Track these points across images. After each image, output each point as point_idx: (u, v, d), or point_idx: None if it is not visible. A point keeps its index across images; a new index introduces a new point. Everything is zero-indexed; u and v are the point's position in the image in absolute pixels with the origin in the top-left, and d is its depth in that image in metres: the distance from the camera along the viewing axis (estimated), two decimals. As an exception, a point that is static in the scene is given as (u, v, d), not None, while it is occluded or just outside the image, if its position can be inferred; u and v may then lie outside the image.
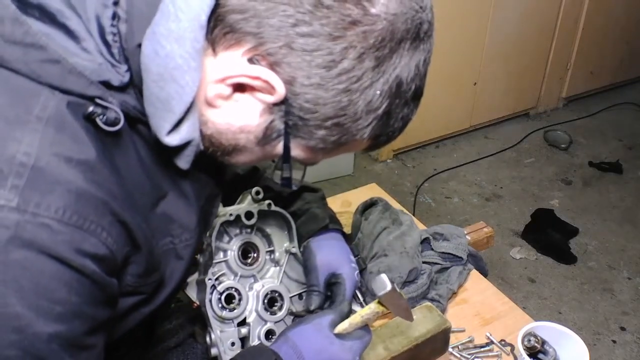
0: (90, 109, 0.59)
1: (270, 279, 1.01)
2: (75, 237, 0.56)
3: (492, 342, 1.18)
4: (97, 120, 0.59)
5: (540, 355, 1.08)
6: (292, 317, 1.00)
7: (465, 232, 1.38)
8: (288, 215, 1.03)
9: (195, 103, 0.63)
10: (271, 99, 0.61)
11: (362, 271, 1.21)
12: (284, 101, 0.61)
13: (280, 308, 0.99)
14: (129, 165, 0.65)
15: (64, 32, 0.59)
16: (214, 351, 0.92)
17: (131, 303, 0.70)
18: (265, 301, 0.98)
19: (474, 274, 1.33)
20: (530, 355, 1.05)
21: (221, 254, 0.96)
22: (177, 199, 0.73)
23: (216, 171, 0.81)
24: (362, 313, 0.84)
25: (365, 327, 0.86)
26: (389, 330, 1.03)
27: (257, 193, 0.99)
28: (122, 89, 0.62)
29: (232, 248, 0.97)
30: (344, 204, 1.53)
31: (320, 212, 1.08)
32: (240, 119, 0.64)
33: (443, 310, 1.21)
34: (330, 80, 0.59)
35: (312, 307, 0.98)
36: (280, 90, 0.60)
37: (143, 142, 0.67)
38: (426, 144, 3.59)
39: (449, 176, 3.36)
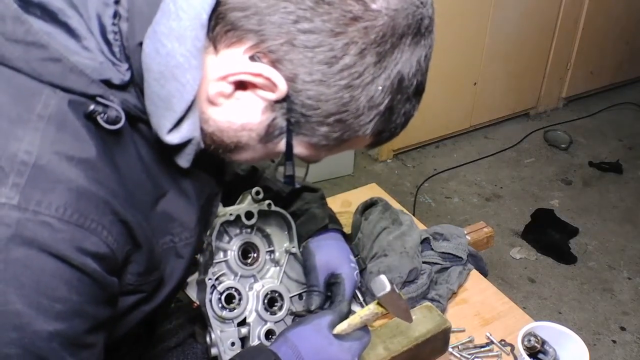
0: (92, 107, 0.59)
1: (270, 279, 1.01)
2: (76, 236, 0.56)
3: (492, 342, 1.18)
4: (98, 118, 0.60)
5: (540, 355, 1.08)
6: (292, 317, 1.00)
7: (465, 232, 1.38)
8: (288, 216, 1.03)
9: (196, 101, 0.63)
10: (273, 96, 0.61)
11: (362, 271, 1.21)
12: (286, 98, 0.61)
13: (280, 308, 0.99)
14: (129, 164, 0.65)
15: (65, 31, 0.59)
16: (214, 351, 0.92)
17: (132, 302, 0.70)
18: (265, 301, 0.98)
19: (474, 274, 1.33)
20: (530, 355, 1.05)
21: (221, 254, 0.96)
22: (177, 198, 0.73)
23: (216, 170, 0.81)
24: (361, 314, 0.84)
25: (364, 327, 0.86)
26: (389, 330, 1.03)
27: (257, 193, 0.99)
28: (123, 87, 0.62)
29: (232, 248, 0.97)
30: (344, 204, 1.53)
31: (320, 212, 1.08)
32: (242, 116, 0.64)
33: (443, 310, 1.21)
34: (332, 76, 0.59)
35: (312, 307, 0.98)
36: (282, 88, 0.60)
37: (143, 141, 0.67)
38: (426, 144, 3.59)
39: (449, 176, 3.36)
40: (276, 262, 1.02)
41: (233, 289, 0.95)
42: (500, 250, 2.81)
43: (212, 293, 0.93)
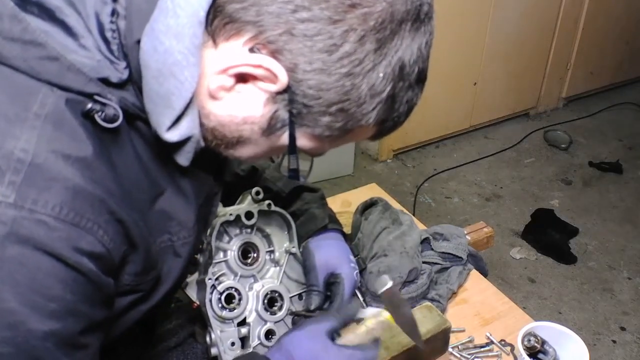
0: (89, 105, 0.59)
1: (270, 279, 1.01)
2: (72, 235, 0.56)
3: (492, 342, 1.18)
4: (96, 117, 0.59)
5: (540, 355, 1.08)
6: (292, 317, 1.00)
7: (465, 232, 1.38)
8: (288, 216, 1.03)
9: (194, 98, 0.62)
10: (274, 87, 0.61)
11: (361, 271, 1.21)
12: (287, 89, 0.61)
13: (280, 308, 0.99)
14: (126, 163, 0.65)
15: (62, 29, 0.59)
16: (214, 351, 0.92)
17: (128, 301, 0.70)
18: (265, 301, 0.98)
19: (474, 274, 1.33)
20: (530, 355, 1.05)
21: (221, 254, 0.96)
22: (175, 196, 0.73)
23: (215, 170, 0.80)
24: (367, 323, 0.83)
25: (374, 342, 0.84)
26: (389, 330, 1.03)
27: (257, 193, 0.99)
28: (120, 85, 0.62)
29: (232, 248, 0.97)
30: (344, 204, 1.53)
31: (320, 212, 1.08)
32: (243, 110, 0.64)
33: (443, 310, 1.21)
34: (332, 64, 0.59)
35: (312, 307, 0.98)
36: (283, 78, 0.59)
37: (141, 140, 0.67)
38: (426, 144, 3.59)
39: (449, 176, 3.36)
40: (276, 262, 1.02)
41: (233, 289, 0.95)
42: (500, 250, 2.81)
43: (212, 293, 0.93)
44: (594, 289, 2.64)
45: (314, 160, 0.74)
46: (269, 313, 0.98)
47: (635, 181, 3.38)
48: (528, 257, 2.80)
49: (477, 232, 1.45)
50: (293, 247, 1.03)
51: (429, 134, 3.53)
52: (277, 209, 1.01)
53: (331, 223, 1.08)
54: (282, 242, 1.04)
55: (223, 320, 0.94)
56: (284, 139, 0.66)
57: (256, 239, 1.00)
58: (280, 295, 0.99)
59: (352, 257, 1.05)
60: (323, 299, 1.00)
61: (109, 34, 0.60)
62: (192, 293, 0.94)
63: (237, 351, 0.92)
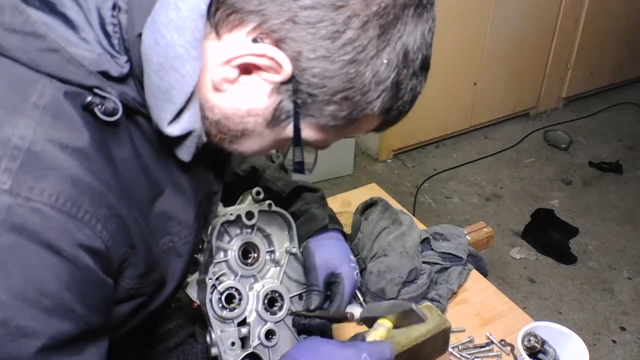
0: (89, 98, 0.58)
1: (271, 279, 1.01)
2: (68, 226, 0.54)
3: (492, 342, 1.18)
4: (96, 110, 0.59)
5: (540, 355, 1.08)
6: (292, 317, 1.00)
7: (465, 232, 1.38)
8: (288, 216, 1.03)
9: (196, 92, 0.62)
10: (278, 77, 0.60)
11: (362, 271, 1.21)
12: (291, 79, 0.60)
13: (281, 308, 0.99)
14: (125, 158, 0.64)
15: (63, 22, 0.58)
16: (214, 351, 0.92)
17: (132, 307, 0.69)
18: (266, 301, 0.98)
19: (474, 274, 1.33)
20: (530, 355, 1.05)
21: (222, 254, 0.96)
22: (174, 196, 0.72)
23: (215, 167, 0.80)
24: (370, 339, 0.83)
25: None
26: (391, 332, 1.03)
27: (258, 193, 0.99)
28: (121, 80, 0.62)
29: (232, 248, 0.97)
30: (344, 204, 1.53)
31: (320, 212, 1.08)
32: (247, 101, 0.63)
33: (443, 310, 1.21)
34: (335, 51, 0.58)
35: (312, 307, 0.98)
36: (287, 68, 0.59)
37: (141, 135, 0.66)
38: (426, 144, 3.59)
39: (449, 176, 3.36)
40: (276, 262, 1.02)
41: (233, 289, 0.95)
42: (500, 250, 2.81)
43: (212, 293, 0.93)
44: (594, 289, 2.64)
45: (318, 153, 0.74)
46: (269, 313, 0.98)
47: (635, 181, 3.38)
48: (528, 257, 2.80)
49: (477, 232, 1.46)
50: (293, 247, 1.03)
51: (429, 134, 3.53)
52: (278, 209, 1.01)
53: (331, 223, 1.08)
54: (283, 242, 1.04)
55: (223, 320, 0.94)
56: (289, 130, 0.66)
57: (257, 239, 1.00)
58: (281, 296, 0.99)
59: (352, 257, 1.05)
60: (323, 299, 1.00)
61: (109, 28, 0.60)
62: (192, 293, 0.94)
63: (237, 351, 0.92)
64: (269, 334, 0.97)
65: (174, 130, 0.63)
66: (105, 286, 0.60)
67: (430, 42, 0.63)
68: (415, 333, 1.03)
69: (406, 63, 0.62)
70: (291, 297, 1.01)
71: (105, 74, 0.60)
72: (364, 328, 0.89)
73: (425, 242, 1.31)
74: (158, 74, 0.60)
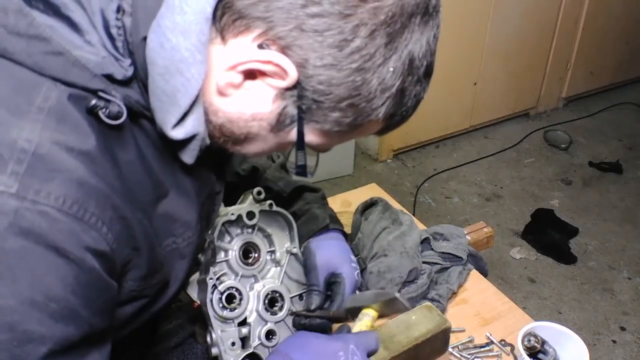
0: (93, 102, 0.58)
1: (271, 279, 1.01)
2: (75, 228, 0.54)
3: (492, 342, 1.18)
4: (100, 113, 0.59)
5: (540, 355, 1.08)
6: (292, 317, 1.00)
7: (465, 232, 1.38)
8: (289, 216, 1.03)
9: (200, 96, 0.62)
10: (283, 83, 0.60)
11: (362, 271, 1.21)
12: (297, 85, 0.60)
13: (281, 308, 0.99)
14: (129, 161, 0.64)
15: (67, 25, 0.58)
16: (214, 351, 0.92)
17: (135, 308, 0.69)
18: (266, 301, 0.98)
19: (474, 274, 1.33)
20: (530, 355, 1.05)
21: (222, 254, 0.96)
22: (177, 197, 0.72)
23: (218, 168, 0.80)
24: (357, 329, 0.84)
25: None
26: (389, 330, 1.03)
27: (259, 193, 0.99)
28: (125, 83, 0.62)
29: (233, 248, 0.97)
30: (344, 204, 1.53)
31: (321, 212, 1.08)
32: (252, 106, 0.63)
33: (443, 310, 1.21)
34: (342, 59, 0.58)
35: (312, 307, 0.98)
36: (292, 74, 0.59)
37: (145, 138, 0.66)
38: (426, 144, 3.59)
39: (449, 176, 3.36)
40: (277, 263, 1.02)
41: (234, 289, 0.95)
42: (500, 250, 2.81)
43: (213, 293, 0.93)
44: (594, 289, 2.65)
45: (319, 156, 0.74)
46: (269, 313, 0.98)
47: (635, 181, 3.38)
48: (528, 257, 2.80)
49: (477, 232, 1.46)
50: (294, 247, 1.03)
51: (429, 134, 3.53)
52: (279, 209, 1.01)
53: (332, 223, 1.08)
54: (283, 243, 1.04)
55: (224, 320, 0.94)
56: (292, 135, 0.66)
57: (257, 239, 1.00)
58: (281, 296, 1.00)
59: (352, 257, 1.05)
60: (323, 299, 1.00)
61: (114, 31, 0.60)
62: (193, 293, 0.94)
63: (238, 351, 0.92)
64: (270, 334, 0.97)
65: (178, 133, 0.64)
66: (110, 289, 0.60)
67: (434, 49, 0.64)
68: (415, 333, 1.03)
69: (411, 70, 0.62)
70: (291, 298, 1.01)
71: (109, 77, 0.60)
72: None
73: (425, 242, 1.31)
74: (163, 77, 0.60)
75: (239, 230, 0.99)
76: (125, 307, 0.67)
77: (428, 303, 1.14)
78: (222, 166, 0.82)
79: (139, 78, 0.63)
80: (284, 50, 0.58)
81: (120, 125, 0.61)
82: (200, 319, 0.97)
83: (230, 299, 0.94)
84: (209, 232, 0.88)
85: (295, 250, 1.03)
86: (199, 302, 0.93)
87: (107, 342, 0.63)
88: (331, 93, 0.61)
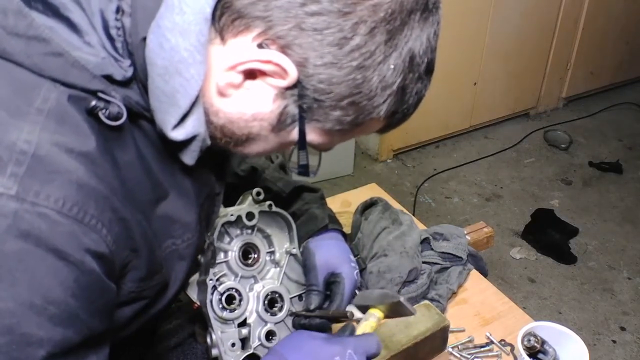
0: (93, 103, 0.58)
1: (271, 280, 1.01)
2: (75, 231, 0.54)
3: (492, 342, 1.18)
4: (100, 114, 0.58)
5: (540, 355, 1.08)
6: (292, 318, 1.00)
7: (465, 232, 1.38)
8: (289, 217, 1.03)
9: (200, 96, 0.62)
10: (284, 83, 0.60)
11: (361, 271, 1.21)
12: (297, 84, 0.60)
13: (281, 309, 0.99)
14: (129, 162, 0.64)
15: (67, 26, 0.58)
16: (214, 352, 0.92)
17: (134, 310, 0.68)
18: (266, 302, 0.98)
19: (474, 274, 1.33)
20: (530, 355, 1.05)
21: (222, 255, 0.96)
22: (177, 199, 0.72)
23: (218, 169, 0.80)
24: (362, 330, 0.83)
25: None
26: (389, 329, 1.04)
27: (258, 194, 0.99)
28: (125, 83, 0.62)
29: (232, 249, 0.97)
30: (343, 204, 1.53)
31: (320, 213, 1.08)
32: (252, 106, 0.63)
33: (443, 310, 1.21)
34: (342, 57, 0.58)
35: (311, 306, 0.98)
36: (293, 73, 0.59)
37: (145, 138, 0.66)
38: (426, 144, 3.59)
39: (449, 176, 3.36)
40: (276, 263, 1.02)
41: (233, 290, 0.95)
42: (500, 250, 2.81)
43: (212, 294, 0.93)
44: (594, 289, 2.65)
45: (322, 155, 0.74)
46: (269, 314, 0.98)
47: (635, 181, 3.38)
48: (528, 257, 2.80)
49: (477, 232, 1.46)
50: (293, 248, 1.03)
51: (429, 134, 3.53)
52: (278, 210, 1.01)
53: (331, 223, 1.08)
54: (283, 243, 1.04)
55: (224, 321, 0.94)
56: (294, 134, 0.66)
57: (257, 240, 1.00)
58: (281, 296, 1.00)
59: (352, 257, 1.05)
60: (323, 299, 1.00)
61: (113, 32, 0.60)
62: (192, 294, 0.94)
63: (238, 352, 0.92)
64: (269, 335, 0.97)
65: (178, 134, 0.63)
66: (109, 291, 0.60)
67: (435, 45, 0.63)
68: (414, 332, 1.03)
69: (412, 67, 0.62)
70: (291, 298, 1.01)
71: (109, 78, 0.60)
72: None
73: (425, 242, 1.31)
74: (163, 78, 0.60)
75: (238, 231, 0.99)
76: (125, 308, 0.67)
77: (426, 301, 1.14)
78: (222, 167, 0.82)
79: (139, 79, 0.63)
80: (283, 49, 0.58)
81: (120, 126, 0.60)
82: (200, 320, 0.97)
83: (230, 299, 0.94)
84: (209, 233, 0.88)
85: (294, 251, 1.03)
86: (198, 303, 0.93)
87: (105, 345, 0.62)
88: (332, 92, 0.60)
